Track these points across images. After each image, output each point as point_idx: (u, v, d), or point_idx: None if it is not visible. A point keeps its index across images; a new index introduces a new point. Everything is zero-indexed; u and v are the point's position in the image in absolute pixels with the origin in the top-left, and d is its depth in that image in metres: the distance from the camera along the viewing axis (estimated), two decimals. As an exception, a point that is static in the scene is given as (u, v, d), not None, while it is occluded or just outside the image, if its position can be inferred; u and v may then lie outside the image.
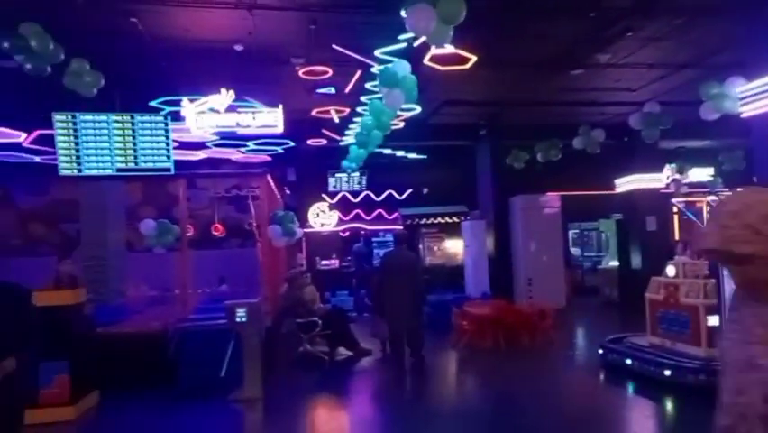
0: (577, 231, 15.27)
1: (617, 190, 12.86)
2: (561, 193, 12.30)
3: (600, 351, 7.14)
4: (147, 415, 6.12)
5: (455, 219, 13.77)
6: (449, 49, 6.47)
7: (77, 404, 6.05)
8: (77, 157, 7.75)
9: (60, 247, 10.98)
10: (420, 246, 13.87)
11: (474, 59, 7.03)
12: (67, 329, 6.03)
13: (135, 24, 5.72)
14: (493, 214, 12.14)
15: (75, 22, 5.32)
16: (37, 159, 9.92)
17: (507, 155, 12.45)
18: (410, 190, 14.99)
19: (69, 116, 7.71)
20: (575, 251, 15.24)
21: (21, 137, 8.97)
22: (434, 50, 6.58)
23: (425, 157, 14.40)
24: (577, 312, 11.76)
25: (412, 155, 14.26)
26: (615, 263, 13.05)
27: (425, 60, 6.62)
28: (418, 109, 8.54)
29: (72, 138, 7.74)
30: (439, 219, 14.15)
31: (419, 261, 8.89)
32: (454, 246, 13.89)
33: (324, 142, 11.23)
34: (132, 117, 7.85)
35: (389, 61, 5.99)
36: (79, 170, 7.80)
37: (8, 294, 3.12)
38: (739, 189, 1.45)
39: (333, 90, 8.49)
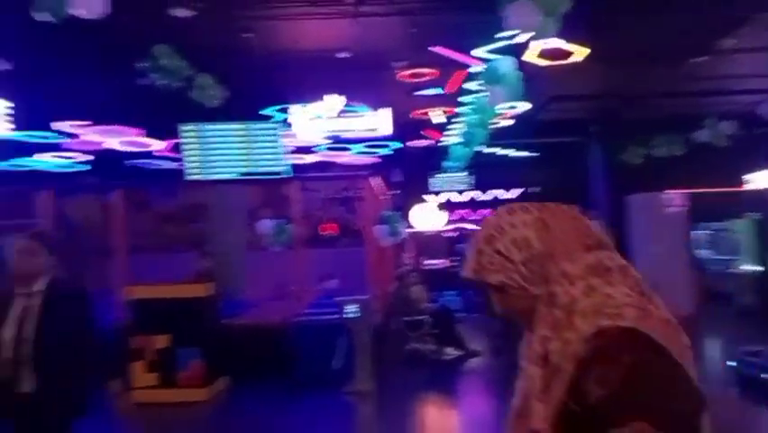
0: (706, 231, 13.98)
1: (749, 187, 11.62)
2: (684, 191, 11.37)
3: (734, 364, 6.51)
4: (269, 401, 6.59)
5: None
6: (556, 43, 6.28)
7: (209, 387, 6.66)
8: (202, 163, 8.51)
9: (191, 246, 12.07)
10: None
11: (585, 52, 6.75)
12: (199, 319, 6.66)
13: (250, 40, 6.19)
14: (608, 214, 11.50)
15: (199, 41, 5.87)
16: (171, 165, 11.00)
17: (622, 151, 11.74)
18: (518, 189, 14.63)
19: (195, 126, 8.48)
20: (704, 254, 13.96)
21: (156, 146, 10.01)
22: (540, 45, 6.41)
23: (534, 155, 13.98)
24: (706, 321, 10.78)
25: (519, 153, 13.93)
26: (751, 267, 11.80)
27: (531, 57, 6.47)
28: (527, 106, 8.36)
29: (197, 146, 8.51)
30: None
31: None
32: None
33: (430, 142, 11.33)
34: (249, 125, 8.47)
35: (491, 59, 5.94)
36: (204, 175, 8.56)
37: (73, 294, 3.17)
38: (499, 210, 1.25)
39: (436, 91, 8.56)
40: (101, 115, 8.68)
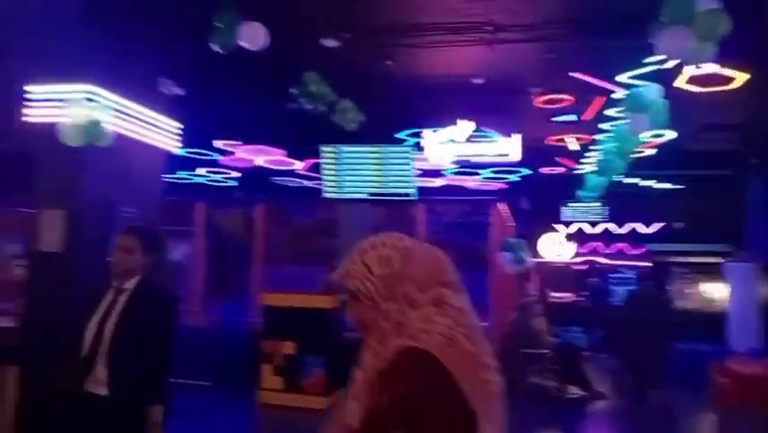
0: None
1: None
2: None
3: None
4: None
5: (714, 260, 11.98)
6: (711, 68, 5.83)
7: (330, 397, 6.93)
8: (338, 182, 9.00)
9: (321, 259, 12.76)
10: (669, 288, 12.39)
11: (744, 77, 6.16)
12: (324, 330, 6.99)
13: (390, 67, 6.48)
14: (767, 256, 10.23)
15: (343, 68, 6.27)
16: (309, 184, 11.77)
17: (789, 187, 10.41)
18: (658, 224, 13.55)
19: (334, 148, 9.01)
20: None
21: (296, 165, 10.77)
22: (693, 71, 5.99)
23: (679, 187, 12.88)
24: None
25: (662, 185, 12.91)
26: None
27: (682, 83, 6.05)
28: (673, 134, 7.80)
29: (335, 166, 9.02)
30: (694, 258, 12.47)
31: (669, 302, 8.04)
32: (712, 290, 12.07)
33: (562, 170, 10.95)
34: (383, 148, 8.82)
35: (634, 86, 5.64)
36: (339, 194, 9.05)
37: (159, 298, 2.98)
38: (384, 233, 1.41)
39: (571, 118, 8.29)
40: (250, 136, 9.56)
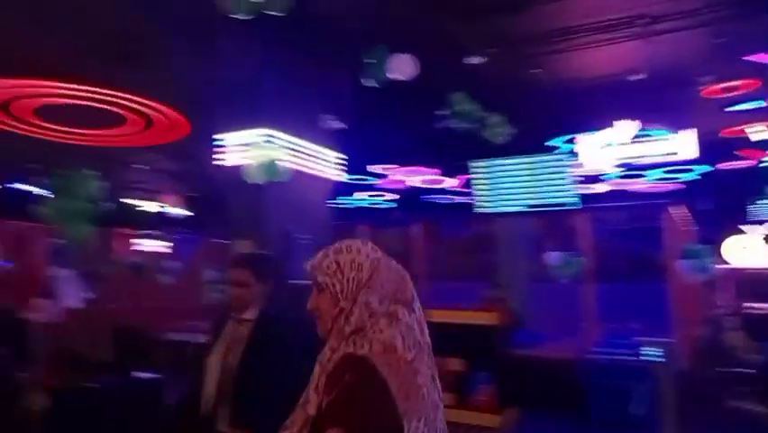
0: None
1: None
2: None
3: None
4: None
5: None
6: None
7: (501, 414, 6.83)
8: (491, 196, 8.94)
9: (477, 275, 12.71)
10: None
11: None
12: (491, 346, 6.93)
13: (537, 75, 6.36)
14: None
15: (489, 83, 6.31)
16: (463, 199, 11.88)
17: None
18: None
19: (484, 162, 9.01)
20: None
21: (450, 182, 10.95)
22: None
23: None
24: None
25: None
26: None
27: None
28: None
29: (486, 180, 8.99)
30: None
31: None
32: None
33: (747, 163, 9.69)
34: (535, 158, 8.59)
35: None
36: (492, 208, 8.97)
37: (279, 331, 2.76)
38: (363, 241, 1.56)
39: (754, 105, 7.35)
40: (405, 158, 9.97)
